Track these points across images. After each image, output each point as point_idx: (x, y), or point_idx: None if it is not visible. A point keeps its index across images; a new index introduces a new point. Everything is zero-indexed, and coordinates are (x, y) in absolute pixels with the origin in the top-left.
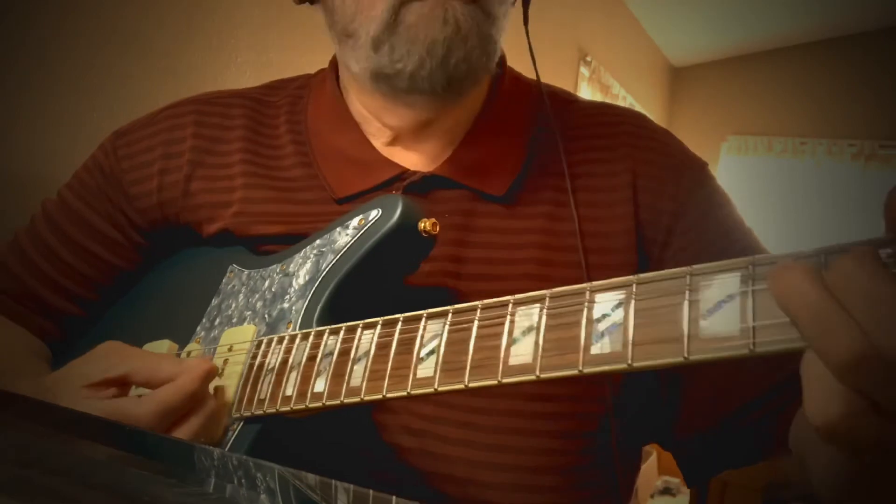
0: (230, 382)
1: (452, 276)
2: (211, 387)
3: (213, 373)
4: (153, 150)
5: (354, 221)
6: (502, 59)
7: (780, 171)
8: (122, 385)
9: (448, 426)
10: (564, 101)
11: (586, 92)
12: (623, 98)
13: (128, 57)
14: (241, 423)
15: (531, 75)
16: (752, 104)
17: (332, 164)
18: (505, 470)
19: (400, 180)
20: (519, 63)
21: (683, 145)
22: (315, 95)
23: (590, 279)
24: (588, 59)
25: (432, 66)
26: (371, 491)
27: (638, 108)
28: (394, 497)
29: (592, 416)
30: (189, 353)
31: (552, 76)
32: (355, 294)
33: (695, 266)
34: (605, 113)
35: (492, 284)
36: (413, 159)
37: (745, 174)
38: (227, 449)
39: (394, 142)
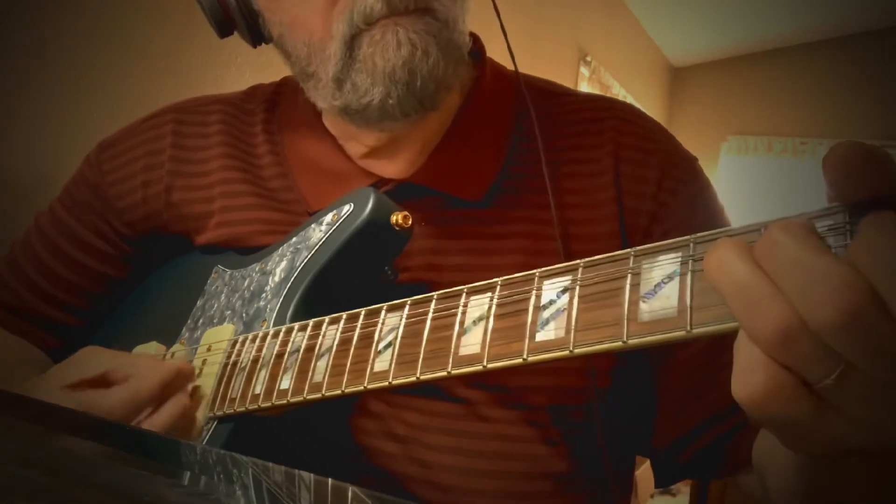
0: (207, 382)
1: (431, 284)
2: (189, 387)
3: (185, 372)
4: (136, 162)
5: (328, 217)
6: (482, 54)
7: (780, 171)
8: (100, 386)
9: (433, 433)
10: (554, 96)
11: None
12: (623, 98)
13: (128, 57)
14: (215, 423)
15: (532, 67)
16: (752, 104)
17: (308, 176)
18: (494, 477)
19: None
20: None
21: (672, 140)
22: (289, 106)
23: None
24: (588, 59)
25: (399, 92)
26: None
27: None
28: (350, 487)
29: (580, 422)
30: (174, 354)
31: (552, 76)
32: (331, 290)
33: (638, 247)
34: (592, 108)
35: None
36: (390, 168)
37: (745, 174)
38: None
39: (369, 154)
